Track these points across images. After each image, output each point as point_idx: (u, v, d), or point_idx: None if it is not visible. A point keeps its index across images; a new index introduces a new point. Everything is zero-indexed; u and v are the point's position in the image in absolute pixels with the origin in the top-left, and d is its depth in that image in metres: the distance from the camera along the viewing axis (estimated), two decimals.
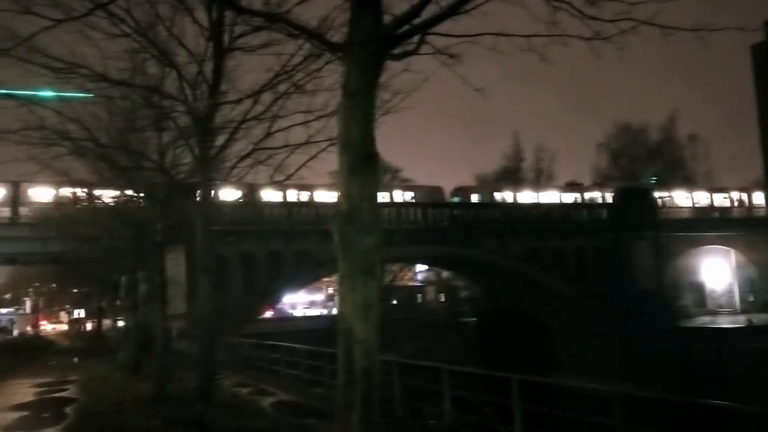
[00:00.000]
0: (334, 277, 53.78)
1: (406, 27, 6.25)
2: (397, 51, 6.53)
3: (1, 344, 48.59)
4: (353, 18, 6.19)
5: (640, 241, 46.74)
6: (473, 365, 12.94)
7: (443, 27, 6.68)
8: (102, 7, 9.22)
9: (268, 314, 53.97)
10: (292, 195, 43.81)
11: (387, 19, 6.26)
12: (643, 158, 71.38)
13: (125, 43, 12.58)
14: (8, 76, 11.82)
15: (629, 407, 8.87)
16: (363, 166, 5.98)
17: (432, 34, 6.52)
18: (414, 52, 6.83)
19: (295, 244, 40.69)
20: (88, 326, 66.09)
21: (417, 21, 6.24)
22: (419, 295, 74.10)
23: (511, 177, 66.93)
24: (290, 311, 76.24)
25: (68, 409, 16.59)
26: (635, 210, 47.82)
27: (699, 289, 55.38)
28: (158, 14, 11.60)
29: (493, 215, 47.41)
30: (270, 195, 39.18)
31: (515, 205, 51.13)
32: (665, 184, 61.10)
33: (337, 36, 8.69)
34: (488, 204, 50.23)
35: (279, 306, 65.46)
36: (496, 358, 32.55)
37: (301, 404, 15.33)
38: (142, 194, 18.89)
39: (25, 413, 16.28)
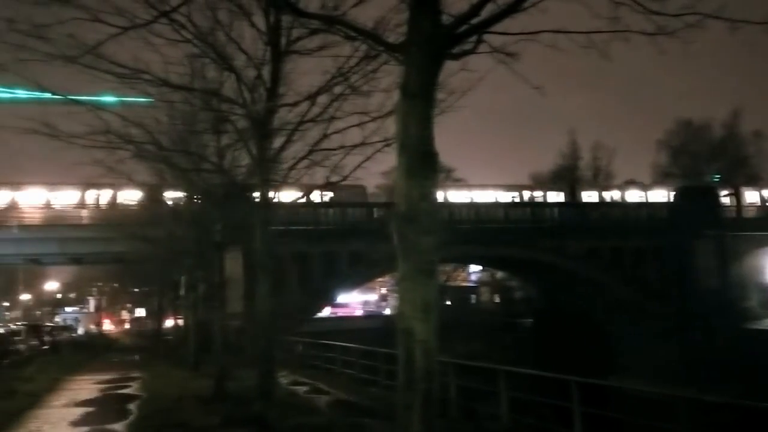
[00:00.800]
0: (388, 277, 54.33)
1: (464, 26, 6.23)
2: (455, 50, 6.51)
3: (66, 342, 50.22)
4: (411, 19, 6.19)
5: (703, 241, 45.37)
6: (528, 366, 12.79)
7: (501, 25, 6.64)
8: (166, 14, 9.47)
9: (323, 314, 54.40)
10: (346, 195, 44.09)
11: (445, 19, 6.25)
12: (705, 156, 69.19)
13: (185, 48, 12.92)
14: (74, 83, 12.24)
15: (694, 412, 8.64)
16: (422, 166, 5.98)
17: (490, 32, 6.48)
18: (472, 51, 6.79)
19: (349, 243, 40.95)
20: (149, 325, 67.75)
21: (476, 20, 6.22)
22: (473, 296, 73.61)
23: (568, 176, 65.77)
24: (344, 311, 76.79)
25: (131, 406, 17.04)
26: (698, 209, 46.45)
27: (765, 290, 53.41)
28: (218, 20, 11.84)
29: (549, 214, 46.76)
30: (325, 195, 39.58)
31: (572, 204, 50.29)
32: (729, 182, 59.15)
33: (392, 37, 8.74)
34: (544, 203, 49.54)
35: (333, 305, 65.95)
36: (552, 359, 32.08)
37: (357, 404, 15.42)
38: (201, 195, 19.30)
39: (90, 409, 16.79)
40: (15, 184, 42.97)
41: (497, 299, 70.80)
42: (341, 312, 77.40)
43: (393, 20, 9.96)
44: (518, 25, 6.85)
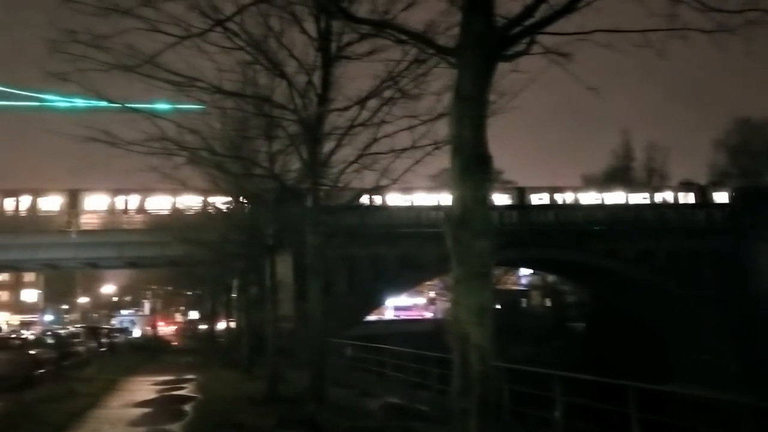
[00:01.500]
0: (437, 281, 54.10)
1: (518, 28, 6.19)
2: (508, 52, 6.46)
3: (123, 344, 51.50)
4: (464, 22, 6.18)
5: (764, 243, 43.92)
6: (581, 371, 12.55)
7: (554, 25, 6.56)
8: (220, 23, 9.65)
9: (372, 317, 54.59)
10: (395, 198, 44.13)
11: (498, 21, 6.21)
12: (765, 155, 66.94)
13: (238, 55, 13.13)
14: (130, 92, 12.55)
15: (757, 419, 8.37)
16: (475, 169, 5.95)
17: (544, 33, 6.42)
18: (525, 53, 6.74)
19: (397, 247, 41.03)
20: (202, 327, 69.06)
21: (529, 22, 6.17)
22: (523, 300, 72.81)
23: (621, 177, 64.43)
24: (393, 314, 76.87)
25: (187, 407, 17.38)
26: (758, 209, 45.00)
27: None
28: (270, 27, 12.00)
29: (601, 216, 45.94)
30: (373, 198, 39.67)
31: (625, 206, 49.23)
32: None
33: (442, 40, 8.73)
34: (598, 205, 48.61)
35: (382, 309, 66.12)
36: (606, 364, 31.51)
37: (409, 407, 15.39)
38: (253, 200, 19.58)
39: (148, 410, 17.18)
40: (73, 190, 44.38)
41: (548, 303, 69.90)
42: (403, 315, 77.69)
43: (443, 23, 9.96)
44: (571, 25, 6.77)
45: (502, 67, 7.42)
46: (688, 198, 51.37)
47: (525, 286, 77.39)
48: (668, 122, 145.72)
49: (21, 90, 69.75)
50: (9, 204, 43.34)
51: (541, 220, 45.04)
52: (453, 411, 6.09)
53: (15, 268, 60.12)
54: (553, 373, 11.69)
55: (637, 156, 68.94)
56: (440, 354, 18.46)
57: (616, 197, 50.02)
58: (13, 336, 28.06)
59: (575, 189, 51.92)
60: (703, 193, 51.64)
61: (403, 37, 7.58)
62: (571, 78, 7.15)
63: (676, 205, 50.06)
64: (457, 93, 6.13)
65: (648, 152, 68.61)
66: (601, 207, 48.36)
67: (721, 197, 51.26)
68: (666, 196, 51.92)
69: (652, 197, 50.74)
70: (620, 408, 10.00)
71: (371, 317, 55.67)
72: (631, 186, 56.73)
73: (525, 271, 73.30)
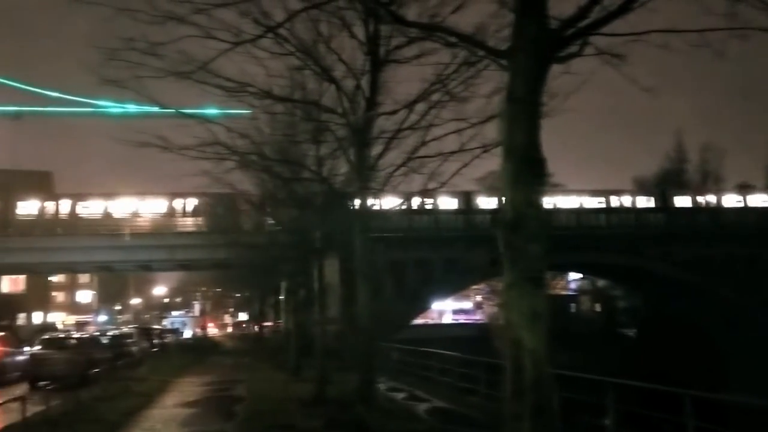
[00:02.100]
0: (482, 285, 53.53)
1: (571, 30, 6.10)
2: (561, 54, 6.38)
3: (174, 345, 52.57)
4: (516, 24, 6.12)
5: None
6: (632, 378, 12.26)
7: (608, 27, 6.45)
8: (271, 30, 9.78)
9: (418, 321, 54.47)
10: (442, 201, 43.99)
11: (551, 23, 6.14)
12: None
13: (287, 60, 13.28)
14: (180, 97, 12.81)
15: None
16: (528, 173, 5.89)
17: (598, 34, 6.32)
18: (577, 54, 6.63)
19: (442, 251, 40.90)
20: (250, 328, 70.02)
21: (583, 23, 6.08)
22: (572, 305, 71.68)
23: (674, 179, 62.90)
24: (439, 318, 76.61)
25: (237, 407, 17.62)
26: None
27: None
28: (319, 32, 12.11)
29: (655, 220, 44.95)
30: (420, 202, 39.61)
31: (680, 209, 48.06)
32: None
33: (491, 42, 8.67)
34: (650, 209, 47.56)
35: (428, 313, 65.95)
36: (659, 371, 30.77)
37: (457, 412, 15.32)
38: (301, 203, 19.77)
39: (199, 410, 17.47)
40: (126, 194, 45.57)
41: (598, 308, 68.71)
42: (462, 318, 77.46)
43: (492, 25, 9.90)
44: (626, 26, 6.64)
45: (553, 68, 7.34)
46: (745, 201, 49.93)
47: (574, 290, 76.24)
48: (724, 123, 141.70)
49: (76, 96, 71.93)
50: (65, 207, 44.75)
51: (593, 223, 44.30)
52: (505, 416, 6.03)
53: (72, 269, 62.03)
54: (604, 379, 11.47)
55: (691, 158, 67.25)
56: (488, 359, 18.39)
57: (669, 200, 48.90)
58: (69, 336, 28.85)
59: (629, 192, 50.97)
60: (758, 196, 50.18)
61: (454, 40, 7.56)
62: (624, 79, 7.02)
63: (732, 209, 48.68)
64: (509, 95, 6.08)
65: (702, 154, 66.81)
66: (654, 210, 47.33)
67: None
68: (721, 199, 50.55)
69: (706, 200, 49.46)
70: (675, 417, 9.76)
71: (418, 321, 55.57)
72: (685, 189, 55.40)
73: (574, 276, 72.20)
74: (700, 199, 49.82)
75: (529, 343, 5.67)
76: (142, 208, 44.93)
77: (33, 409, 13.99)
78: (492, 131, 12.27)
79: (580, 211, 45.49)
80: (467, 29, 9.33)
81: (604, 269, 49.97)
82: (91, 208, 44.90)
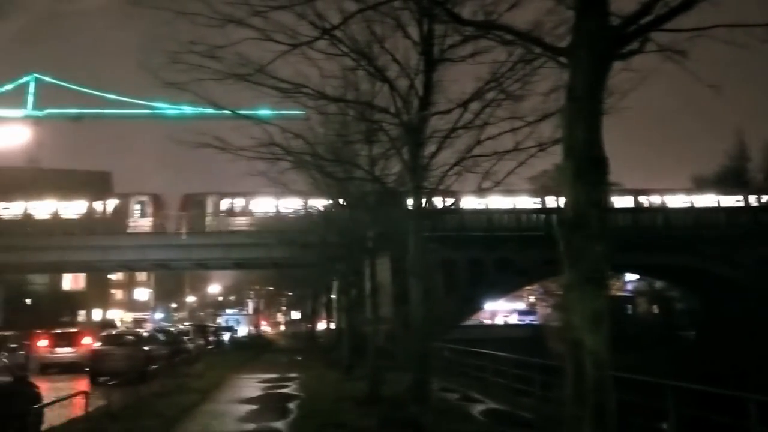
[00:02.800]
0: (536, 286, 52.83)
1: (633, 26, 5.98)
2: (622, 51, 6.25)
3: (229, 342, 53.50)
4: (577, 21, 6.03)
5: None
6: (692, 382, 11.92)
7: (671, 22, 6.30)
8: (328, 32, 9.86)
9: (470, 321, 54.16)
10: (494, 201, 43.61)
11: (612, 19, 6.03)
12: None
13: (341, 61, 13.36)
14: (234, 99, 13.00)
15: None
16: (590, 171, 5.79)
17: (661, 30, 6.18)
18: (639, 51, 6.50)
19: (495, 251, 40.55)
20: (303, 327, 70.77)
21: (645, 19, 5.95)
22: (629, 307, 70.13)
23: (734, 178, 60.92)
24: (491, 319, 76.03)
25: (291, 405, 17.81)
26: None
27: None
28: (373, 33, 12.13)
29: (715, 220, 43.62)
30: (471, 201, 39.37)
31: (741, 209, 46.52)
32: None
33: (547, 39, 8.56)
34: (710, 208, 46.16)
35: (480, 314, 65.50)
36: (719, 375, 29.87)
37: (512, 414, 15.16)
38: (353, 203, 19.87)
39: (254, 406, 17.71)
40: (184, 194, 46.64)
41: (655, 310, 67.13)
42: (515, 319, 76.79)
43: (548, 23, 9.78)
44: (689, 21, 6.47)
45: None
46: None
47: (631, 292, 74.61)
48: None
49: (133, 99, 73.93)
50: (125, 207, 46.07)
51: (650, 223, 43.30)
52: (564, 418, 5.95)
53: (130, 267, 63.74)
54: (663, 382, 11.18)
55: (753, 156, 65.02)
56: (542, 360, 18.17)
57: (730, 200, 47.40)
58: (128, 333, 29.64)
59: (687, 191, 49.64)
60: None
61: (511, 38, 7.49)
62: (687, 75, 6.84)
63: None
64: (569, 93, 6.00)
65: (765, 152, 64.54)
66: (715, 210, 45.94)
67: None
68: None
69: None
70: (738, 421, 9.46)
71: (470, 321, 55.29)
72: (747, 188, 53.63)
73: (630, 277, 70.65)
74: (763, 198, 48.15)
75: (590, 345, 5.58)
76: (198, 207, 45.91)
77: (95, 403, 14.43)
78: (548, 129, 12.14)
79: (637, 211, 44.49)
80: (522, 27, 9.24)
81: (661, 270, 48.81)
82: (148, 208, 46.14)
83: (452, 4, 8.81)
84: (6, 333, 29.65)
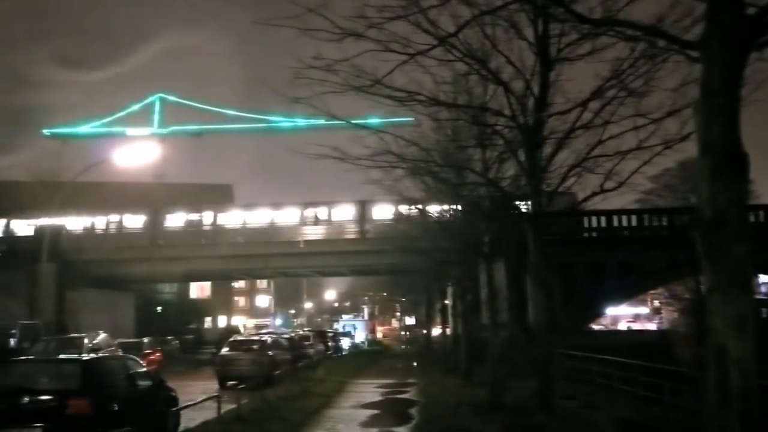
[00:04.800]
0: (661, 289, 50.21)
1: None
2: (759, 41, 5.90)
3: (347, 348, 54.53)
4: (710, 12, 5.75)
5: None
6: None
7: None
8: (445, 40, 9.90)
9: (591, 327, 52.45)
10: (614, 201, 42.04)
11: (749, 9, 5.71)
12: None
13: (453, 66, 13.34)
14: (350, 109, 13.24)
15: None
16: (728, 169, 5.50)
17: None
18: None
19: (616, 253, 39.01)
20: (417, 332, 71.03)
21: None
22: (763, 310, 65.53)
23: None
24: (613, 325, 73.28)
25: (412, 410, 17.97)
26: None
27: None
28: (487, 36, 12.05)
29: None
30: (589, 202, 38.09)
31: None
32: None
33: (673, 32, 8.21)
34: None
35: (601, 319, 63.31)
36: None
37: (639, 423, 14.53)
38: (468, 208, 19.79)
39: (375, 411, 18.02)
40: (300, 203, 48.15)
41: None
42: (638, 325, 74.13)
43: (672, 15, 9.39)
44: None
45: None
46: None
47: (766, 294, 69.76)
48: None
49: (250, 113, 77.30)
50: (249, 217, 48.18)
51: None
52: (708, 428, 5.67)
53: (253, 275, 66.53)
54: None
55: None
56: (670, 366, 17.33)
57: None
58: (254, 338, 30.87)
59: None
60: None
61: (635, 33, 7.24)
62: None
63: None
64: (703, 88, 5.72)
65: None
66: None
67: None
68: None
69: None
70: None
71: (591, 326, 53.59)
72: None
73: (764, 278, 66.05)
74: None
75: (735, 351, 5.29)
76: (316, 216, 47.34)
77: (226, 406, 15.13)
78: (673, 126, 11.62)
79: None
80: (644, 20, 8.91)
81: None
82: (268, 218, 48.03)
83: (571, 1, 8.62)
84: (144, 339, 31.65)
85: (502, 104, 14.08)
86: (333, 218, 46.63)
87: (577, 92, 12.83)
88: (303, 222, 46.59)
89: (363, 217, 45.49)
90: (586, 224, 39.27)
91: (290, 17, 8.38)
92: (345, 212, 46.44)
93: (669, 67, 10.49)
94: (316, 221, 46.60)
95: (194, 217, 49.02)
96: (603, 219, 39.10)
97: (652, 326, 71.23)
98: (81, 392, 10.85)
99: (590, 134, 13.17)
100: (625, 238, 38.19)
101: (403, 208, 30.81)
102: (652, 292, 64.05)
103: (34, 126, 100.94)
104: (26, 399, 10.75)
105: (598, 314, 49.00)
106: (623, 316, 77.58)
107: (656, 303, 77.60)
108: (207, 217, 48.71)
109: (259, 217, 47.50)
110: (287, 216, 47.16)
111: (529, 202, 14.23)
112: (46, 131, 79.76)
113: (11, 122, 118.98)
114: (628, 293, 45.00)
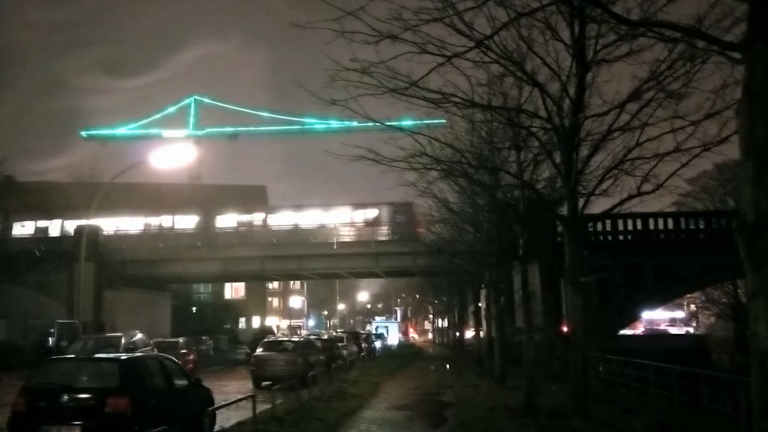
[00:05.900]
0: (697, 294, 49.12)
1: None
2: None
3: (380, 349, 54.58)
4: (753, 13, 5.66)
5: None
6: None
7: None
8: (481, 42, 9.89)
9: (626, 331, 51.75)
10: (651, 203, 41.54)
11: None
12: None
13: (488, 68, 13.32)
14: (385, 111, 13.26)
15: None
16: None
17: None
18: None
19: (653, 256, 38.44)
20: (450, 335, 70.86)
21: None
22: None
23: None
24: (650, 329, 72.24)
25: (447, 413, 17.92)
26: None
27: None
28: (522, 38, 12.01)
29: None
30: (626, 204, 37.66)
31: None
32: None
33: (713, 33, 8.11)
34: None
35: (637, 323, 62.45)
36: None
37: (677, 428, 14.34)
38: (503, 210, 19.70)
39: (410, 413, 18.00)
40: (330, 205, 48.55)
41: None
42: (675, 329, 73.03)
43: (712, 16, 9.26)
44: None
45: None
46: None
47: None
48: None
49: (284, 115, 77.96)
50: (284, 220, 48.71)
51: None
52: None
53: (288, 276, 66.99)
54: None
55: None
56: (707, 371, 17.06)
57: None
58: (288, 339, 31.08)
59: None
60: None
61: (675, 35, 7.15)
62: None
63: None
64: (746, 90, 5.63)
65: None
66: None
67: None
68: None
69: None
70: None
71: (626, 331, 52.88)
72: None
73: None
74: None
75: None
76: (349, 218, 47.72)
77: (261, 407, 15.26)
78: (712, 128, 11.43)
79: None
80: (683, 22, 8.81)
81: None
82: (303, 219, 48.55)
83: (609, 2, 8.56)
84: (179, 339, 32.03)
85: (538, 106, 14.04)
86: (366, 219, 47.01)
87: (614, 94, 12.75)
88: (335, 224, 47.03)
89: (394, 219, 45.63)
90: (622, 227, 38.73)
91: (328, 20, 8.46)
92: (377, 214, 46.73)
93: (708, 68, 10.34)
94: (366, 223, 47.06)
95: (244, 218, 49.86)
96: (639, 222, 38.58)
97: (687, 331, 70.08)
98: (120, 391, 11.01)
99: (627, 136, 13.05)
100: (662, 241, 37.62)
101: (437, 211, 30.82)
102: (688, 296, 63.02)
103: (75, 130, 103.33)
104: (66, 397, 10.93)
105: (634, 318, 48.31)
106: (660, 320, 76.43)
107: (692, 307, 76.34)
108: (257, 218, 49.58)
109: (307, 219, 48.30)
110: (335, 216, 47.84)
111: (565, 205, 14.12)
112: (83, 132, 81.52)
113: (54, 127, 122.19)
114: (665, 297, 44.22)
